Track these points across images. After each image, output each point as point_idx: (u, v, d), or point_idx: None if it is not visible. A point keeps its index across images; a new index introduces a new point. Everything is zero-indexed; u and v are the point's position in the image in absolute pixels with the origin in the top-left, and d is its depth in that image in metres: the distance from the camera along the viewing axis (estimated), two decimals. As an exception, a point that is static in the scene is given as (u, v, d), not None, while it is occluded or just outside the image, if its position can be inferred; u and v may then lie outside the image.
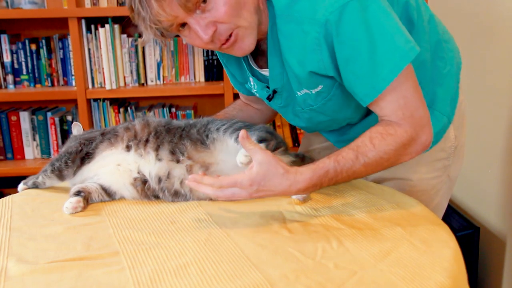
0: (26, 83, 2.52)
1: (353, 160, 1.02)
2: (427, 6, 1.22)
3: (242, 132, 0.98)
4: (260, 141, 1.08)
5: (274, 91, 1.20)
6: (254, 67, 1.22)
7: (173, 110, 2.55)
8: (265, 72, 1.20)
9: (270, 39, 1.12)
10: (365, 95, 1.04)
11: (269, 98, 1.23)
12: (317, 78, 1.09)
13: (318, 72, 1.07)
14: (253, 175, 0.97)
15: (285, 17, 1.06)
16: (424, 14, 1.18)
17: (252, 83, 1.26)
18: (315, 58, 1.05)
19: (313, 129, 1.32)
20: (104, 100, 2.49)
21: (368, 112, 1.21)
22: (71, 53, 2.44)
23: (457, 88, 1.25)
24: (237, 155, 1.05)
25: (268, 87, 1.21)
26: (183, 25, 1.06)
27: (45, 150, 2.53)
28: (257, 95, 1.29)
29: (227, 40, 1.07)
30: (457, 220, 1.95)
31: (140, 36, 1.09)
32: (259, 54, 1.19)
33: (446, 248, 0.90)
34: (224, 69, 1.38)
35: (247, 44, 1.08)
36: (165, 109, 2.54)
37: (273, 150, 1.13)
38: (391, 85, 1.02)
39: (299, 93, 1.15)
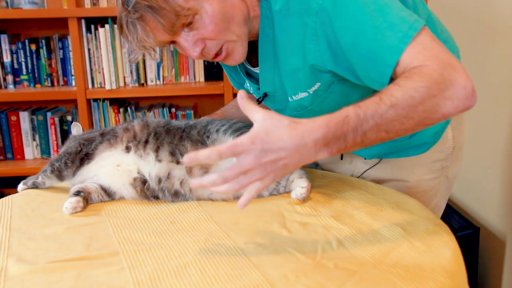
0: (26, 83, 2.52)
1: (377, 102, 0.84)
2: (426, 5, 1.21)
3: (241, 92, 0.83)
4: None
5: (265, 94, 1.20)
6: (248, 66, 1.22)
7: (173, 110, 2.55)
8: (258, 71, 1.19)
9: (261, 42, 1.11)
10: (381, 74, 0.94)
11: (259, 101, 1.23)
12: (316, 74, 1.08)
13: (316, 65, 1.06)
14: (254, 131, 0.80)
15: (284, 12, 1.05)
16: (421, 14, 1.17)
17: (247, 84, 1.27)
18: (313, 49, 1.03)
19: None
20: (104, 100, 2.49)
21: None
22: (71, 53, 2.44)
23: None
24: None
25: (259, 88, 1.21)
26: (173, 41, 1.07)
27: (45, 150, 2.53)
28: (254, 95, 1.29)
29: (217, 54, 1.08)
30: (457, 220, 1.95)
31: None
32: (255, 53, 1.18)
33: (446, 248, 0.90)
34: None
35: (238, 55, 1.09)
36: (165, 109, 2.54)
37: None
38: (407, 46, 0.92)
39: (294, 97, 1.15)
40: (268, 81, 1.16)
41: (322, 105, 1.15)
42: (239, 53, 1.09)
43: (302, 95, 1.13)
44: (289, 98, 1.16)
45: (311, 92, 1.12)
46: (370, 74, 0.98)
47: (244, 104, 0.83)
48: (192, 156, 0.81)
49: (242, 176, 0.81)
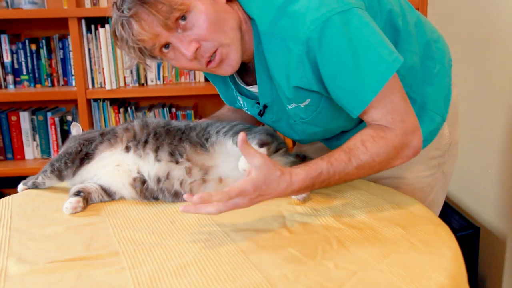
0: (26, 83, 2.52)
1: (346, 162, 1.02)
2: (413, 8, 1.23)
3: (242, 135, 0.94)
4: (262, 145, 1.08)
5: (265, 106, 1.21)
6: (242, 84, 1.22)
7: (173, 110, 2.55)
8: (253, 89, 1.20)
9: (257, 57, 1.13)
10: (354, 108, 1.05)
11: (261, 114, 1.23)
12: (303, 93, 1.10)
13: (303, 87, 1.08)
14: (255, 181, 0.95)
15: (269, 35, 1.07)
16: (409, 18, 1.18)
17: (241, 102, 1.27)
18: (299, 74, 1.06)
19: (308, 140, 1.32)
20: (104, 100, 2.49)
21: (361, 119, 1.21)
22: (71, 53, 2.44)
23: (449, 86, 1.25)
24: (239, 161, 1.05)
25: (258, 103, 1.22)
26: (167, 46, 1.07)
27: (45, 150, 2.53)
28: (249, 112, 1.29)
29: (211, 61, 1.08)
30: (457, 220, 1.95)
31: None
32: (245, 72, 1.20)
33: (446, 248, 0.90)
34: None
35: (233, 60, 1.09)
36: (165, 109, 2.54)
37: (274, 152, 1.13)
38: (378, 94, 1.02)
39: (289, 107, 1.16)
40: (267, 92, 1.17)
41: (316, 119, 1.16)
42: (233, 58, 1.08)
43: (295, 105, 1.14)
44: (286, 107, 1.17)
45: (302, 107, 1.13)
46: (344, 104, 1.06)
47: (244, 147, 0.95)
48: (205, 198, 0.92)
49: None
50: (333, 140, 1.30)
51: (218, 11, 1.05)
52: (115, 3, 1.04)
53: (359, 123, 1.23)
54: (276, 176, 0.97)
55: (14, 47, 2.48)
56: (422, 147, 1.08)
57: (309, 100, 1.11)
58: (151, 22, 1.02)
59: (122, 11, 1.02)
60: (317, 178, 1.01)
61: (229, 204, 0.94)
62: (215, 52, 1.07)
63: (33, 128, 2.52)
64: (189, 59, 1.07)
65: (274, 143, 1.13)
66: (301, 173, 1.00)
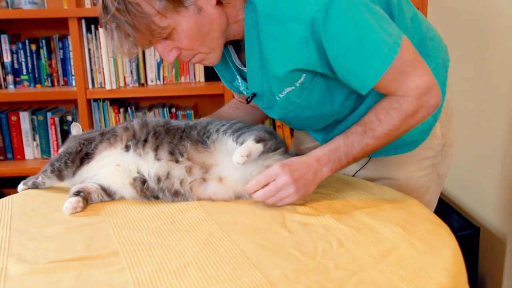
0: (26, 83, 2.52)
1: (362, 134, 1.08)
2: (410, 3, 1.23)
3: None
4: (258, 141, 1.09)
5: (254, 94, 1.21)
6: (238, 65, 1.22)
7: (173, 110, 2.55)
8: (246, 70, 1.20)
9: (248, 43, 1.13)
10: (360, 87, 1.07)
11: (248, 101, 1.24)
12: (300, 72, 1.10)
13: (304, 68, 1.09)
14: (278, 163, 1.06)
15: (268, 18, 1.07)
16: (406, 11, 1.19)
17: (239, 81, 1.27)
18: (303, 55, 1.06)
19: (300, 126, 1.33)
20: (104, 100, 2.49)
21: (354, 108, 1.21)
22: (71, 53, 2.44)
23: (444, 86, 1.25)
24: (233, 155, 1.06)
25: (248, 88, 1.22)
26: None
27: (45, 150, 2.53)
28: (244, 93, 1.29)
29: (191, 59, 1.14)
30: (457, 220, 1.95)
31: None
32: (239, 51, 1.21)
33: (446, 248, 0.90)
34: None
35: (209, 62, 1.15)
36: (165, 109, 2.54)
37: (273, 150, 1.13)
38: (386, 72, 1.03)
39: (280, 95, 1.16)
40: (256, 82, 1.18)
41: (309, 98, 1.16)
42: (209, 62, 1.14)
43: (290, 89, 1.14)
44: (277, 97, 1.17)
45: (297, 85, 1.13)
46: (350, 82, 1.08)
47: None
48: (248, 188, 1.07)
49: (279, 192, 1.05)
50: (325, 132, 1.29)
51: (202, 26, 1.06)
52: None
53: (352, 112, 1.22)
54: (292, 158, 1.08)
55: (14, 47, 2.48)
56: (419, 139, 1.13)
57: (304, 75, 1.11)
58: (131, 43, 1.05)
59: (108, 18, 1.03)
60: (337, 150, 1.08)
61: (272, 187, 1.04)
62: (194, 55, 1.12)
63: (33, 128, 2.52)
64: (170, 63, 1.13)
65: (272, 140, 1.13)
66: (318, 149, 1.09)
